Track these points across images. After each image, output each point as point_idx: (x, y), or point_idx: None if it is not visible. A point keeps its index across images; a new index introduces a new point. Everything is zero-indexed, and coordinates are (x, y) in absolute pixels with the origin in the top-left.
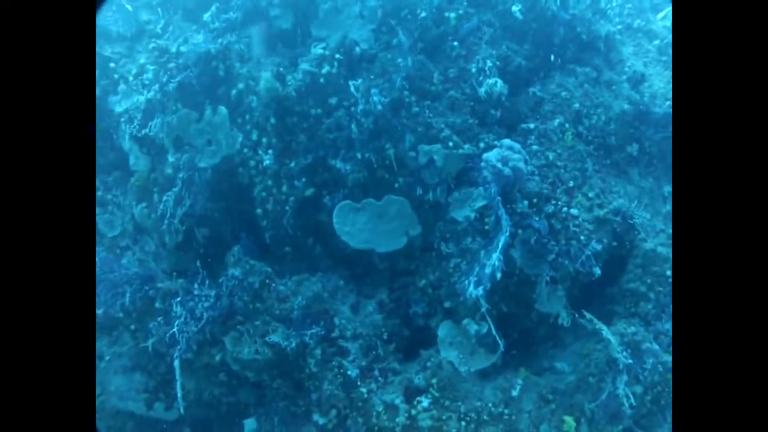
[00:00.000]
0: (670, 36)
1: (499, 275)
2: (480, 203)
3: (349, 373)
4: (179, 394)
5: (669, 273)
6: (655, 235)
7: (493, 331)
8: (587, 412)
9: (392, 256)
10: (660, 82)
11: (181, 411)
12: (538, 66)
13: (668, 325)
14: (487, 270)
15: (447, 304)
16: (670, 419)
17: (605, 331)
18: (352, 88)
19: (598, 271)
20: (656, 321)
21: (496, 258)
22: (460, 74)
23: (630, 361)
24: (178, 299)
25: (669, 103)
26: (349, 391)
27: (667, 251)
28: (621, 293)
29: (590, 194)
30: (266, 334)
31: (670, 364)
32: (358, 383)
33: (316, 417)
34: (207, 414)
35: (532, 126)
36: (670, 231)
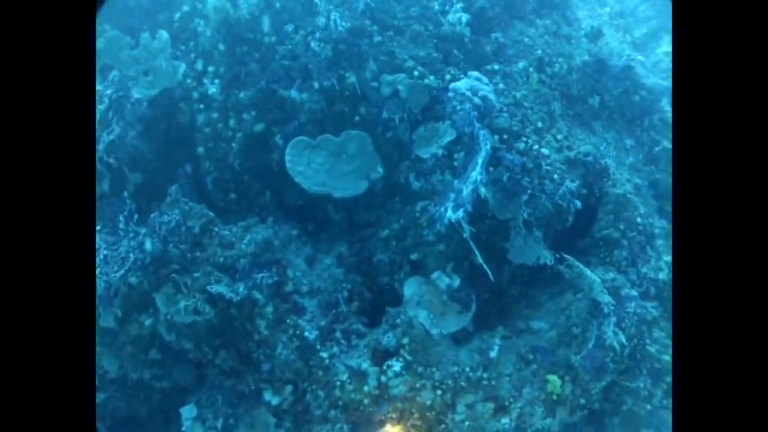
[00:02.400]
0: (619, 5)
1: (483, 190)
2: (448, 138)
3: (306, 335)
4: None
5: (640, 220)
6: (622, 184)
7: (480, 259)
8: (573, 366)
9: (350, 206)
10: (615, 41)
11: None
12: (499, 15)
13: (644, 270)
14: (466, 191)
15: (414, 256)
16: (645, 372)
17: (587, 273)
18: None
19: (578, 203)
20: (631, 268)
21: (477, 174)
22: (423, 12)
23: (622, 293)
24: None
25: (626, 57)
26: (308, 358)
27: (636, 199)
28: (594, 243)
29: (558, 137)
30: (206, 288)
31: (650, 311)
32: (318, 347)
33: (268, 396)
34: (133, 409)
35: (496, 67)
36: (637, 181)
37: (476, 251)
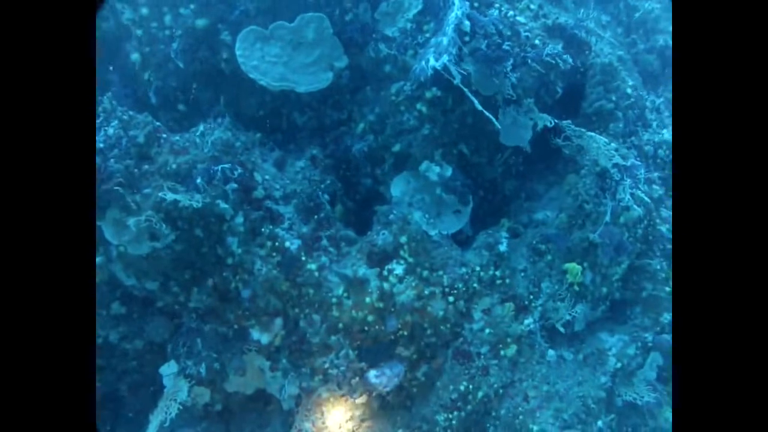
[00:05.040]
0: None
1: (467, 23)
2: (415, 10)
3: (288, 245)
4: None
5: (630, 91)
6: (606, 55)
7: (478, 105)
8: (589, 251)
9: (316, 106)
10: None
11: None
12: None
13: (646, 137)
14: (447, 37)
15: (396, 147)
16: (659, 253)
17: (591, 136)
18: None
19: (568, 59)
20: (629, 138)
21: (454, 16)
22: None
23: (628, 162)
24: None
25: None
26: (293, 273)
27: (623, 70)
28: (587, 119)
29: (532, 6)
30: (161, 203)
31: (654, 188)
32: (303, 258)
33: (256, 334)
34: (108, 384)
35: None
36: (620, 53)
37: (472, 98)
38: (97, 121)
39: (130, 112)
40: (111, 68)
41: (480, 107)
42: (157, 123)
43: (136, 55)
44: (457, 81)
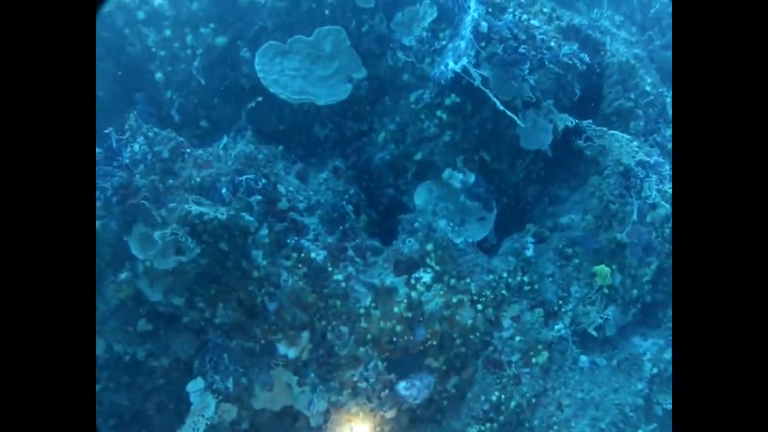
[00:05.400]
0: None
1: (484, 24)
2: (430, 18)
3: (313, 256)
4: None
5: (650, 89)
6: (622, 54)
7: (499, 105)
8: (617, 253)
9: (337, 119)
10: None
11: None
12: None
13: (668, 134)
14: (465, 40)
15: (418, 156)
16: None
17: (613, 135)
18: None
19: (586, 57)
20: (653, 135)
21: (470, 19)
22: None
23: (651, 159)
24: None
25: None
26: (320, 283)
27: (640, 67)
28: (606, 119)
29: (545, 9)
30: (186, 216)
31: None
32: (329, 269)
33: (282, 349)
34: (135, 402)
35: None
36: (636, 51)
37: (494, 98)
38: (123, 137)
39: (155, 129)
40: (137, 91)
41: (501, 107)
42: (181, 138)
43: (159, 74)
44: (477, 83)
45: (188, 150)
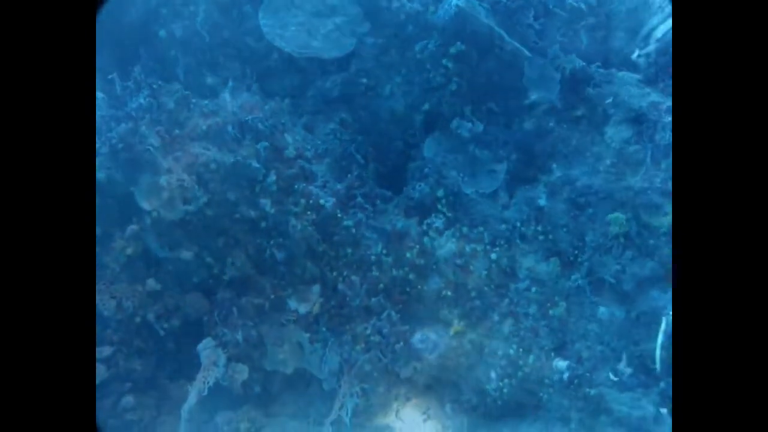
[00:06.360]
0: None
1: None
2: None
3: (322, 202)
4: None
5: (659, 35)
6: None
7: (507, 37)
8: (629, 202)
9: (341, 72)
10: None
11: None
12: None
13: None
14: None
15: (426, 105)
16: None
17: (625, 77)
18: None
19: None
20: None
21: None
22: None
23: (663, 102)
24: None
25: None
26: (329, 230)
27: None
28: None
29: None
30: (193, 165)
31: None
32: (339, 215)
33: (292, 303)
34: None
35: None
36: None
37: (501, 31)
38: (128, 90)
39: (160, 81)
40: (141, 50)
41: (508, 38)
42: (186, 91)
43: (162, 32)
44: (482, 17)
45: (194, 100)
